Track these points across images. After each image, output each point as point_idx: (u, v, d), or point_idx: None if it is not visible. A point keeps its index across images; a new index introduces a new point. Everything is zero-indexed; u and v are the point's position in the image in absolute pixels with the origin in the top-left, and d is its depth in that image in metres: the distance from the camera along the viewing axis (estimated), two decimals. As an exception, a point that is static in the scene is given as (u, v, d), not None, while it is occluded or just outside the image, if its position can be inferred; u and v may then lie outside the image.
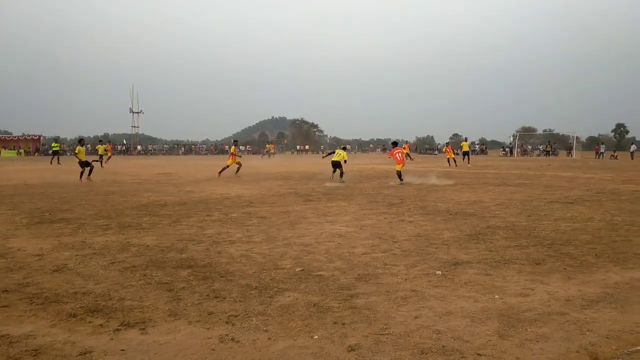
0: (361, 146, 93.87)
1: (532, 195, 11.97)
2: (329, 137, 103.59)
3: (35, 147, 64.61)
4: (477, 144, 69.59)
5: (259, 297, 4.13)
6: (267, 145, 57.91)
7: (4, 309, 3.87)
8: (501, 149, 63.18)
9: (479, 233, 6.95)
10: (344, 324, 3.52)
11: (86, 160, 18.00)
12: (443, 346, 3.12)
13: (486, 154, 62.65)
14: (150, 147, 75.18)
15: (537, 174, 20.86)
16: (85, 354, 3.04)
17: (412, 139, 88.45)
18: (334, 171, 17.08)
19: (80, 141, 20.41)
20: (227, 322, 3.56)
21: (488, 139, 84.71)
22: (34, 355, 3.02)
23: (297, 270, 5.00)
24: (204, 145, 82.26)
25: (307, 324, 3.52)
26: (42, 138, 67.69)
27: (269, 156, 48.88)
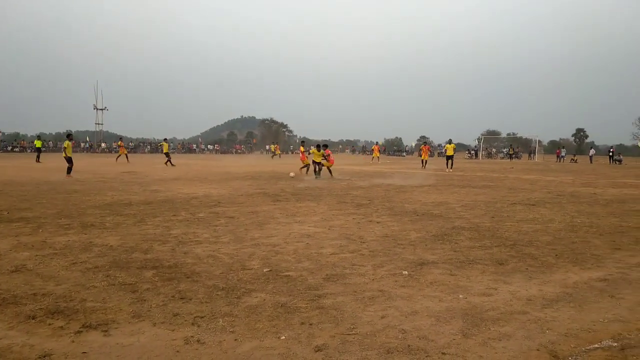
0: (330, 147, 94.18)
1: (496, 197, 12.27)
2: (298, 137, 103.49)
3: (-8, 143, 61.97)
4: (443, 147, 70.76)
5: (226, 298, 4.09)
6: (271, 146, 52.99)
7: (-43, 311, 3.71)
8: (467, 152, 64.55)
9: (444, 234, 7.08)
10: (311, 325, 3.52)
11: (70, 157, 18.25)
12: (409, 345, 3.17)
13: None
14: (114, 145, 73.34)
15: (500, 176, 21.41)
16: (44, 356, 2.95)
17: (380, 141, 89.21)
18: (318, 169, 19.15)
19: (69, 136, 20.19)
20: (192, 324, 3.51)
21: (454, 142, 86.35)
22: (-10, 359, 2.91)
23: (264, 270, 4.97)
24: (171, 144, 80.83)
25: (274, 325, 3.51)
26: (2, 134, 65.12)
27: (272, 157, 46.84)
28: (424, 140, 39.06)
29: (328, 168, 19.76)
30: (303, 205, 10.27)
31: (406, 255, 5.70)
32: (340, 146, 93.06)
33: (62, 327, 3.43)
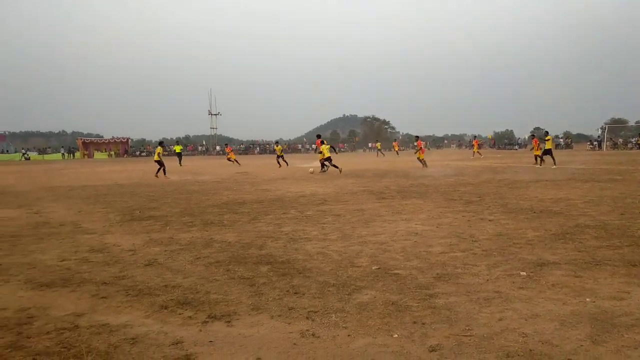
0: (435, 142, 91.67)
1: (625, 192, 11.10)
2: (401, 133, 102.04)
3: (124, 149, 69.36)
4: (562, 138, 65.59)
5: (337, 294, 4.18)
6: (376, 144, 55.30)
7: (103, 299, 4.21)
8: (588, 143, 59.07)
9: (566, 232, 6.56)
10: (423, 324, 3.47)
11: (160, 160, 20.77)
12: (530, 350, 2.99)
13: (571, 148, 58.89)
14: (223, 148, 78.15)
15: (630, 169, 19.31)
16: (177, 343, 3.24)
17: (489, 133, 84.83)
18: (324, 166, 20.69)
19: (161, 143, 23.48)
20: (307, 318, 3.64)
21: (573, 132, 79.61)
22: (132, 343, 3.25)
23: (373, 268, 5.00)
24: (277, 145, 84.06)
25: (386, 323, 3.51)
26: (130, 140, 72.43)
27: (377, 154, 48.14)
28: (532, 133, 35.73)
29: (419, 159, 23.51)
30: (409, 202, 10.13)
31: (523, 255, 5.38)
32: (446, 141, 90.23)
33: (190, 317, 3.74)
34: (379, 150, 50.91)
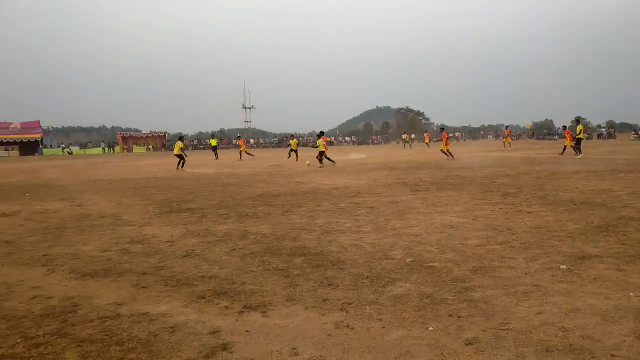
0: (471, 133, 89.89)
1: (674, 182, 10.60)
2: (435, 124, 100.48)
3: (161, 143, 71.00)
4: (604, 127, 63.19)
5: (371, 286, 4.18)
6: (404, 135, 55.35)
7: (143, 289, 4.33)
8: (633, 132, 56.67)
9: (608, 224, 6.34)
10: (459, 317, 3.43)
11: (181, 154, 22.09)
12: (570, 344, 2.92)
13: (614, 137, 56.66)
14: (261, 140, 78.93)
15: (678, 158, 18.43)
16: (214, 333, 3.31)
17: (528, 123, 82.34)
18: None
19: (181, 138, 24.51)
20: (341, 309, 3.65)
21: (616, 121, 76.52)
22: (171, 332, 3.35)
23: (408, 260, 4.96)
24: (310, 137, 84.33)
25: (421, 315, 3.49)
26: (166, 134, 74.06)
27: (403, 146, 48.30)
28: (564, 125, 34.09)
29: (442, 150, 24.28)
30: (444, 194, 9.99)
31: (563, 248, 5.23)
32: (482, 132, 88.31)
33: (227, 307, 3.82)
34: (406, 141, 50.61)
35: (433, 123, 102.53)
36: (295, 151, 28.04)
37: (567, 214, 7.20)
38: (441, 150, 25.00)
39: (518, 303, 3.66)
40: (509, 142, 36.44)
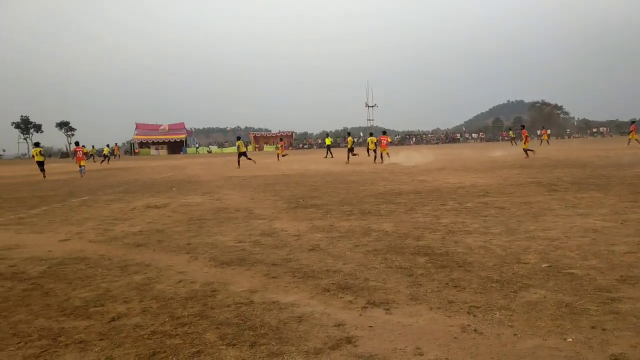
0: (618, 128, 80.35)
1: None
2: (576, 119, 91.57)
3: (289, 142, 74.37)
4: None
5: (501, 291, 3.95)
6: (509, 132, 52.57)
7: (273, 279, 4.59)
8: None
9: None
10: (604, 330, 3.10)
11: (244, 151, 25.76)
12: None
13: None
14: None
15: None
16: (339, 325, 3.39)
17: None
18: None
19: (239, 138, 26.86)
20: (468, 313, 3.51)
21: None
22: (299, 321, 3.50)
23: (543, 266, 4.60)
24: (433, 135, 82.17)
25: (559, 325, 3.21)
26: (294, 134, 77.46)
27: (511, 144, 45.22)
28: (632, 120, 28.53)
29: (524, 149, 23.58)
30: (586, 195, 9.07)
31: None
32: (634, 126, 78.45)
33: (350, 301, 3.89)
34: (512, 138, 46.67)
35: (573, 117, 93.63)
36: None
37: None
38: (523, 149, 24.13)
39: (679, 321, 3.20)
40: (637, 139, 31.08)
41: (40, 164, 22.46)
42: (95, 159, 44.44)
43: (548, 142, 44.94)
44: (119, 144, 61.03)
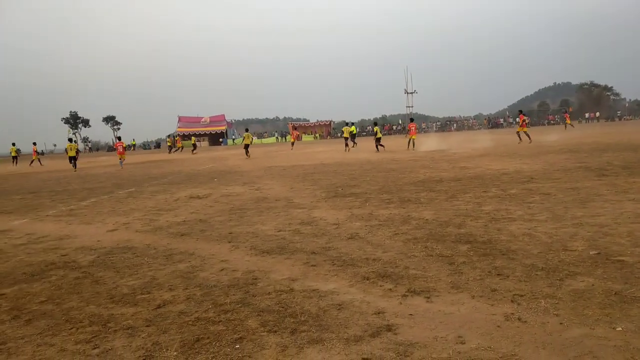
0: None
1: None
2: (628, 100, 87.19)
3: (327, 131, 74.38)
4: None
5: (547, 279, 3.84)
6: (566, 114, 50.47)
7: (313, 267, 4.63)
8: None
9: None
10: (657, 320, 2.97)
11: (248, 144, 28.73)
12: None
13: None
14: (423, 125, 77.55)
15: None
16: (379, 313, 3.39)
17: None
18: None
19: (247, 130, 30.62)
20: (512, 301, 3.44)
21: None
22: (339, 309, 3.52)
23: (591, 253, 4.44)
24: (476, 121, 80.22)
25: (607, 314, 3.10)
26: (332, 123, 77.38)
27: (565, 127, 43.35)
28: None
29: (518, 132, 24.63)
30: (638, 180, 8.65)
31: None
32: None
33: (390, 289, 3.87)
34: (568, 123, 44.08)
35: (624, 99, 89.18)
36: (347, 138, 28.85)
37: None
38: (517, 132, 25.64)
39: None
40: None
41: (72, 159, 25.33)
42: (134, 149, 47.52)
43: (570, 125, 42.65)
44: (165, 137, 63.11)
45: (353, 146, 28.72)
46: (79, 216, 8.91)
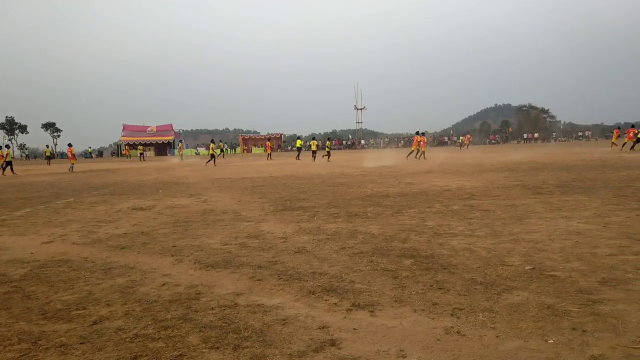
0: (603, 132, 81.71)
1: None
2: (562, 123, 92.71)
3: (278, 144, 74.28)
4: None
5: (485, 293, 3.98)
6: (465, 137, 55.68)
7: (259, 281, 4.57)
8: None
9: None
10: (584, 331, 3.14)
11: (213, 154, 31.41)
12: None
13: None
14: (371, 141, 79.00)
15: None
16: (323, 328, 3.39)
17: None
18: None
19: (212, 141, 33.83)
20: (451, 315, 3.53)
21: None
22: (283, 324, 3.49)
23: (526, 268, 4.65)
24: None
25: (540, 327, 3.25)
26: (282, 136, 77.38)
27: (460, 147, 47.14)
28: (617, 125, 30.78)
29: (412, 151, 29.28)
30: (570, 198, 9.18)
31: None
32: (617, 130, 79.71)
33: (335, 303, 3.89)
34: (463, 144, 48.84)
35: (559, 121, 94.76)
36: (314, 151, 33.14)
37: None
38: (412, 151, 30.15)
39: (658, 322, 3.25)
40: (615, 143, 32.80)
41: (9, 163, 26.83)
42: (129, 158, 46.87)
43: (467, 146, 47.61)
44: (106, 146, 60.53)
45: (327, 160, 31.44)
46: (11, 227, 8.40)
